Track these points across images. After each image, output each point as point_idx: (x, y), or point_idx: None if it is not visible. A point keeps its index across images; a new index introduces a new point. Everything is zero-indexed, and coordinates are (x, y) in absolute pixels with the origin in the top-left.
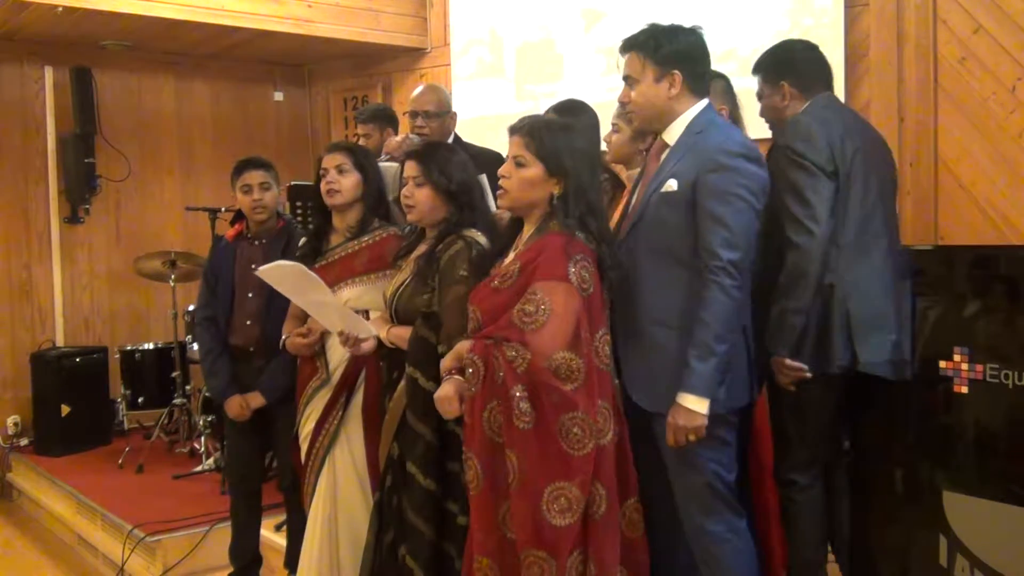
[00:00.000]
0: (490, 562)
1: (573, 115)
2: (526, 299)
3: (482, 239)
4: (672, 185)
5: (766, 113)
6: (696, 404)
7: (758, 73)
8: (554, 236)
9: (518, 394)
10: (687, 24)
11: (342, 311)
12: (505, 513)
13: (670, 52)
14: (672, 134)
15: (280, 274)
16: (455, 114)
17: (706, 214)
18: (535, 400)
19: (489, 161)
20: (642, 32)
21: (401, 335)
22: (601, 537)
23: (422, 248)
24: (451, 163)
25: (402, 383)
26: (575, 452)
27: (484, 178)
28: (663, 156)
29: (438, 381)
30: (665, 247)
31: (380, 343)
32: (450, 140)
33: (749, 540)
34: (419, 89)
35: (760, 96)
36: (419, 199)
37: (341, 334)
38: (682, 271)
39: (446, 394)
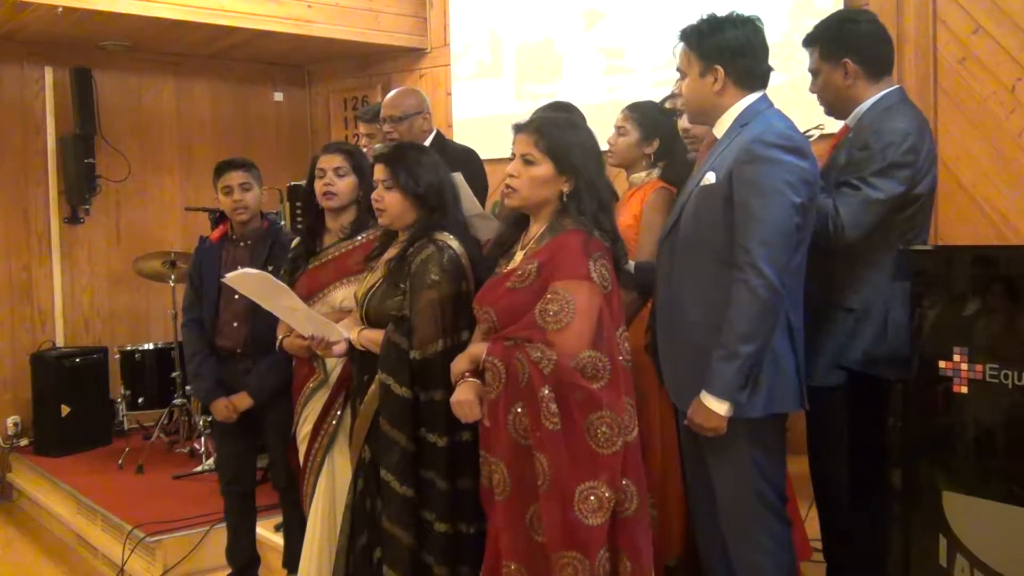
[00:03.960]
0: (519, 566)
1: (572, 113)
2: (548, 299)
3: (454, 242)
4: (710, 178)
5: (825, 93)
6: (715, 405)
7: (813, 45)
8: (572, 234)
9: (546, 395)
10: (746, 14)
11: (311, 315)
12: (533, 516)
13: (713, 46)
14: (721, 128)
15: (246, 281)
16: (428, 115)
17: (739, 208)
18: (561, 400)
19: (461, 158)
20: (693, 23)
21: (372, 338)
22: (634, 534)
23: (393, 251)
24: (420, 165)
25: (373, 387)
26: (603, 451)
27: (460, 176)
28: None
29: (411, 388)
30: (703, 244)
31: (352, 345)
32: (428, 140)
33: (792, 551)
34: (389, 94)
35: (815, 72)
36: (389, 203)
37: (312, 338)
38: (719, 268)
39: (466, 398)
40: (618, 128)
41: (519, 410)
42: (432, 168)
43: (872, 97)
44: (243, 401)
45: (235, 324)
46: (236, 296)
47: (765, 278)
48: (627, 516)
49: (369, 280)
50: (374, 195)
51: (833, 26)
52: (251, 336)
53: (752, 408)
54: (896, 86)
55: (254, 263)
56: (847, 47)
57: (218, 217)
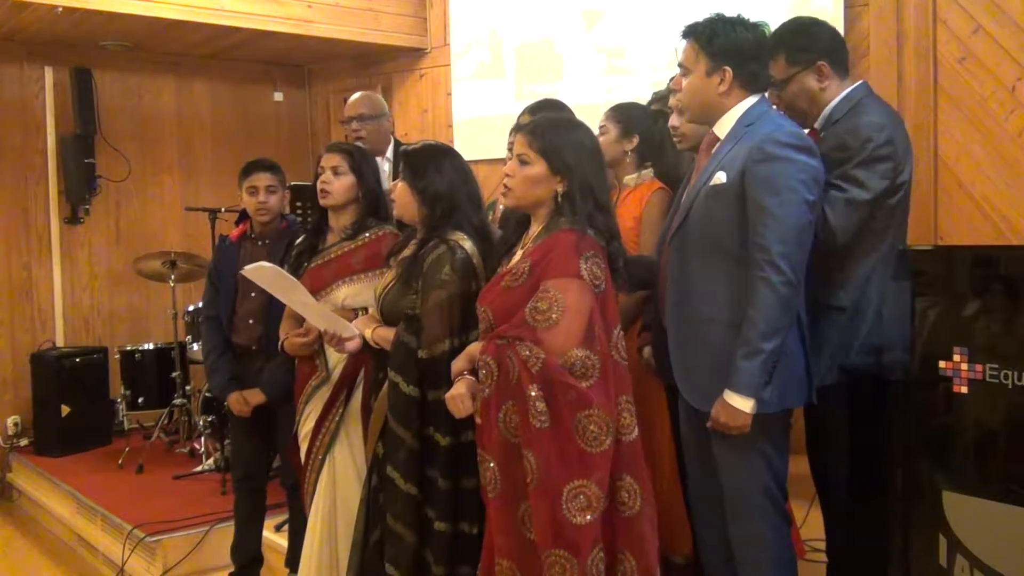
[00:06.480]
0: (511, 564)
1: (561, 111)
2: (538, 297)
3: (467, 243)
4: (720, 177)
5: (800, 99)
6: (741, 403)
7: (778, 53)
8: (564, 233)
9: (534, 393)
10: (753, 18)
11: (323, 311)
12: (524, 514)
13: (724, 46)
14: (723, 127)
15: (263, 275)
16: (391, 116)
17: (755, 206)
18: (550, 399)
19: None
20: (702, 21)
21: (385, 336)
22: (639, 533)
23: (410, 249)
24: (433, 167)
25: (387, 384)
26: (592, 449)
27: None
28: (714, 150)
29: (420, 386)
30: (715, 242)
31: (368, 343)
32: (390, 143)
33: (792, 549)
34: (353, 96)
35: (784, 82)
36: (397, 193)
37: (325, 333)
38: (732, 266)
39: (458, 393)
40: (599, 128)
41: (509, 408)
42: (448, 171)
43: (838, 95)
44: (255, 396)
45: (251, 321)
46: (252, 294)
47: (784, 275)
48: (631, 515)
49: (386, 278)
50: (389, 185)
51: (799, 31)
52: (266, 334)
53: (768, 404)
54: (861, 81)
55: (271, 261)
56: (819, 50)
57: (240, 215)
